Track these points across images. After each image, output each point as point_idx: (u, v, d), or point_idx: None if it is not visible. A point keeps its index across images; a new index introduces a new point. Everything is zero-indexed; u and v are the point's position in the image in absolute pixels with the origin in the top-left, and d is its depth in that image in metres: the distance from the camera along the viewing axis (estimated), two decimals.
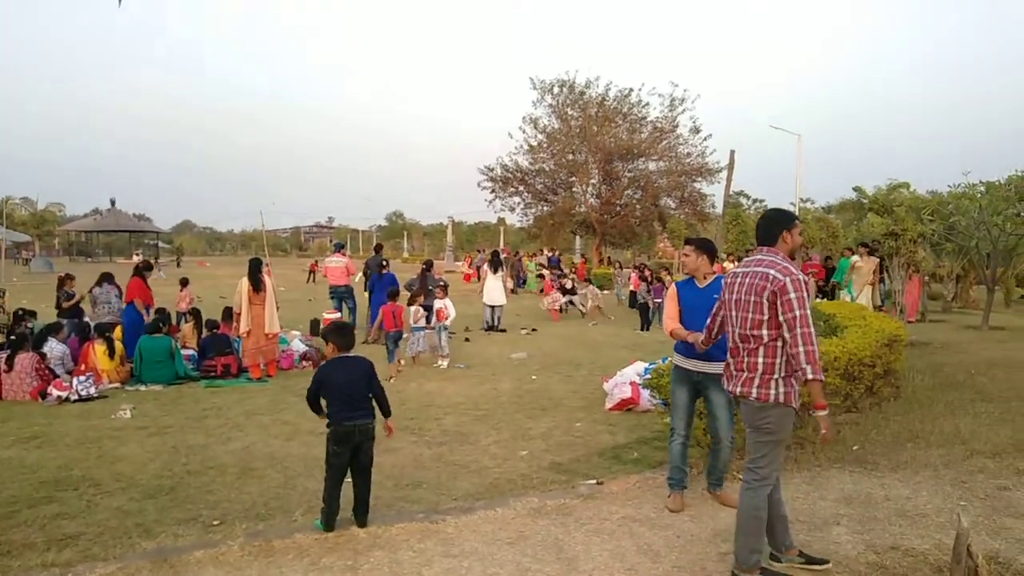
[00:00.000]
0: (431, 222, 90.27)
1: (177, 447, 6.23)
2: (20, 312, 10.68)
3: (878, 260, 13.99)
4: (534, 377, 9.62)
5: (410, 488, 5.16)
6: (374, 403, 4.46)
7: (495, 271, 15.19)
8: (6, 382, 8.20)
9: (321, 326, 13.19)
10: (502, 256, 16.60)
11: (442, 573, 3.71)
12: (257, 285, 9.55)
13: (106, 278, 11.05)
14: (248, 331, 9.42)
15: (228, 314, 10.41)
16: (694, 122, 33.19)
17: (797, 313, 3.29)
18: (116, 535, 4.28)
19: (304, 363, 10.29)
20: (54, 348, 8.92)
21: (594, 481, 5.11)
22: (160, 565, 3.76)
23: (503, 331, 14.72)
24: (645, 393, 7.21)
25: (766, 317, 3.39)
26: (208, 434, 6.69)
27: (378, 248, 16.29)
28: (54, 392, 8.08)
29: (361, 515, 4.32)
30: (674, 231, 35.78)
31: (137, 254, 55.73)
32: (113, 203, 55.53)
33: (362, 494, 4.34)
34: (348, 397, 4.31)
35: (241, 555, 3.91)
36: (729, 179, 21.81)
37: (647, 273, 17.16)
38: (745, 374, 3.49)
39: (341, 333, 4.56)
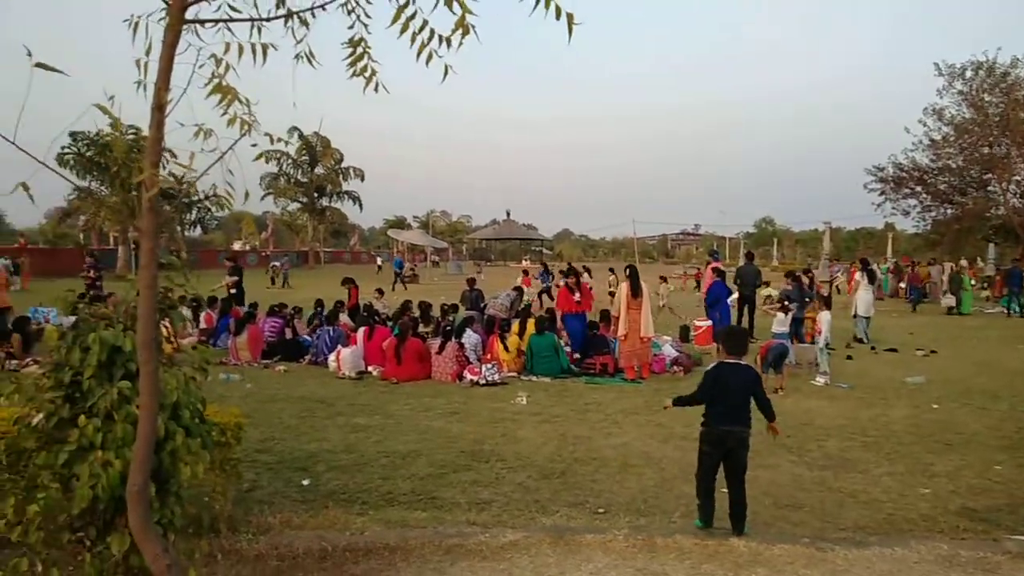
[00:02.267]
0: (804, 227, 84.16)
1: (565, 435, 6.90)
2: (445, 307, 12.91)
3: None
4: (935, 406, 8.38)
5: (790, 509, 4.94)
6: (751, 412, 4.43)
7: (871, 280, 13.81)
8: (436, 364, 9.97)
9: (691, 333, 13.35)
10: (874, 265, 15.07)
11: None
12: (636, 291, 10.05)
13: (516, 290, 13.07)
14: (625, 334, 9.96)
15: (606, 316, 11.14)
16: None
17: None
18: (519, 507, 4.92)
19: (676, 368, 10.49)
20: (470, 337, 10.54)
21: None
22: (557, 541, 4.21)
23: (894, 350, 13.11)
24: None
25: None
26: (591, 427, 7.27)
27: (750, 256, 15.87)
28: (468, 376, 9.57)
29: (737, 520, 4.28)
30: None
31: (525, 259, 63.06)
32: (508, 214, 63.52)
33: (736, 497, 4.32)
34: (729, 403, 4.36)
35: (626, 546, 4.16)
36: None
37: None
38: None
39: (733, 338, 4.62)
